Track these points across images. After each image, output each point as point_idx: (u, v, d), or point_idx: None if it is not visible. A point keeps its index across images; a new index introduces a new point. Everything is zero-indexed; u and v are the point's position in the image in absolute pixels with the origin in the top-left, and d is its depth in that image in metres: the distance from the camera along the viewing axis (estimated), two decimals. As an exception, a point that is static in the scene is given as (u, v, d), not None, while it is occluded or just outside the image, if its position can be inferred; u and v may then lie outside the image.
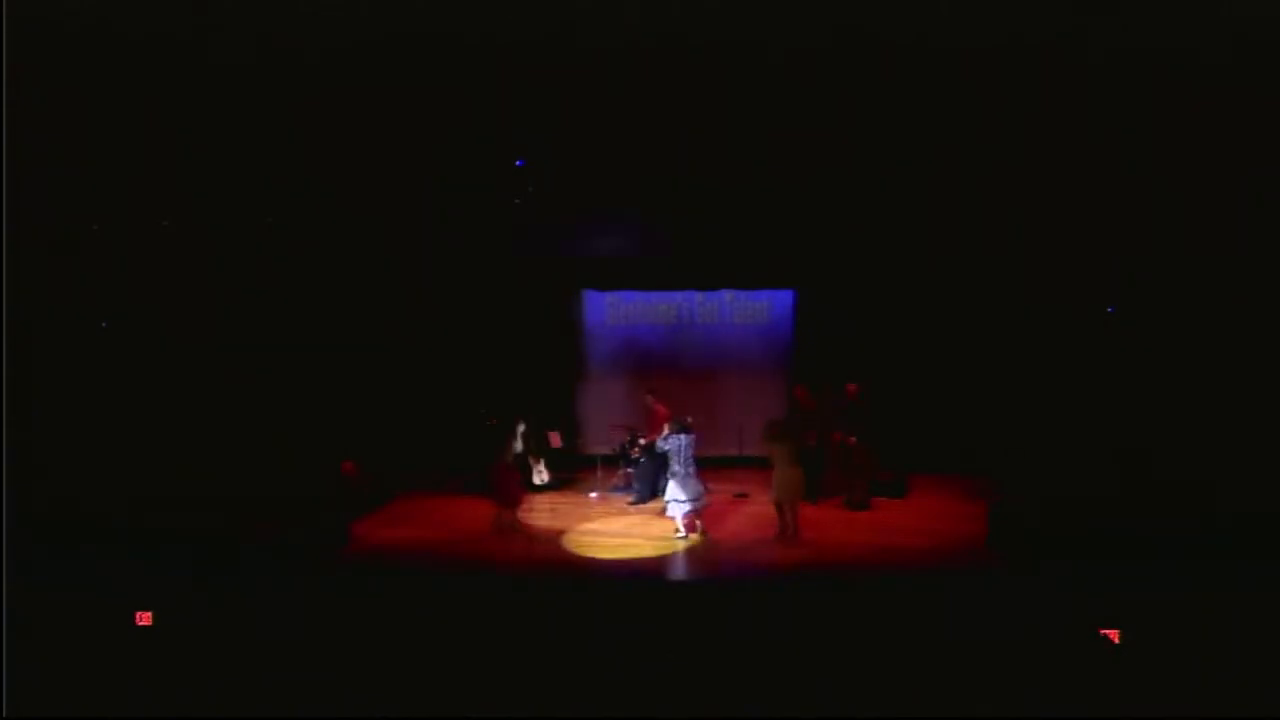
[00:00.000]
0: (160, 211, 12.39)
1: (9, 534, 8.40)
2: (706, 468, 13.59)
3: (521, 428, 13.00)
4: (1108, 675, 6.88)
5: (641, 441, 12.81)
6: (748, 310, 15.21)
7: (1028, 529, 9.91)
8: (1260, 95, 10.03)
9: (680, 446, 10.76)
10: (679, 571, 10.18)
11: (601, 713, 6.53)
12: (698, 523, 10.91)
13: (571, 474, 13.92)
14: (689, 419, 11.12)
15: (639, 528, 11.54)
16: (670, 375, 14.90)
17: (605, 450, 13.65)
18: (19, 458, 9.12)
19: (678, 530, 10.90)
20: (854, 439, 12.17)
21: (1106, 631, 7.13)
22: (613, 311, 15.40)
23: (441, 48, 9.92)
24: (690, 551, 10.57)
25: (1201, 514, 9.63)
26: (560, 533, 11.43)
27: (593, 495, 13.15)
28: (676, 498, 10.77)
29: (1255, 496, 9.77)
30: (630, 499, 12.69)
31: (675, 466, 10.79)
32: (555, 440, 13.57)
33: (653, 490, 12.30)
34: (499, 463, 11.40)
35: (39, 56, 9.33)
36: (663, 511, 11.11)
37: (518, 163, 12.48)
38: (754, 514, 11.95)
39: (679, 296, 15.22)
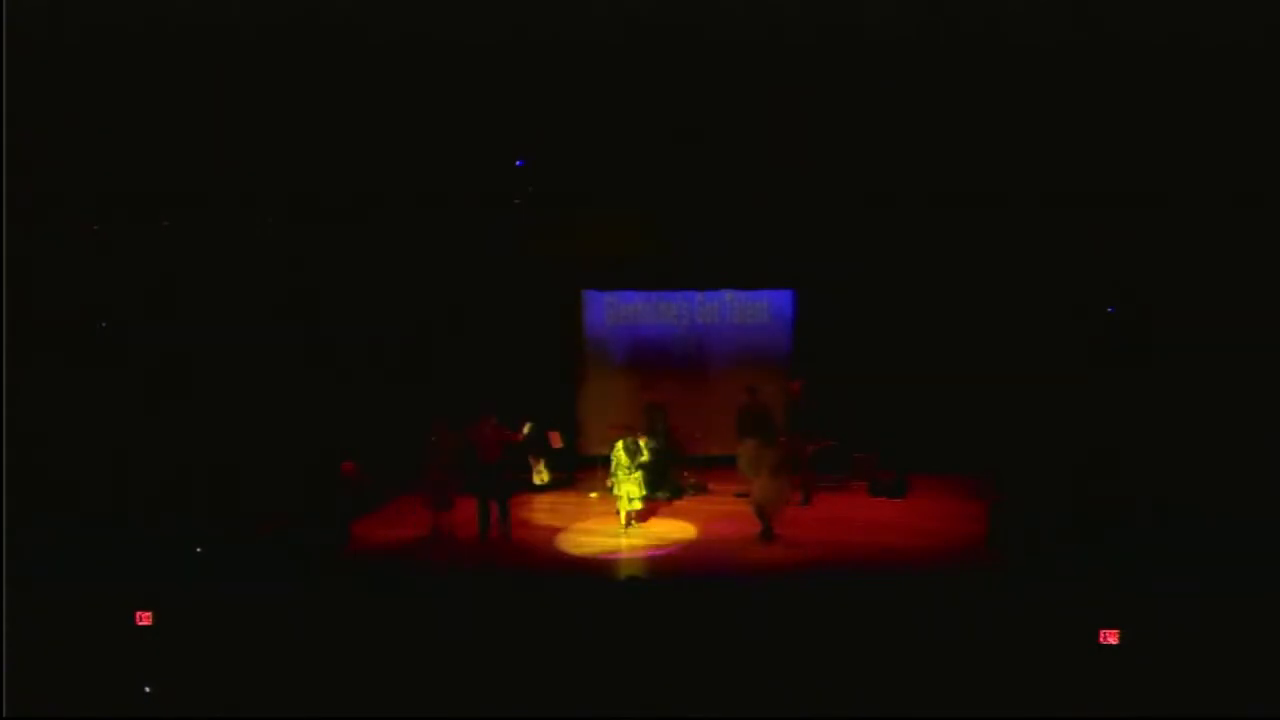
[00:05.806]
0: (160, 211, 12.37)
1: (9, 534, 8.42)
2: (707, 467, 13.73)
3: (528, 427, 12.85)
4: (1108, 675, 6.88)
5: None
6: (748, 310, 15.20)
7: (1028, 529, 9.92)
8: (1260, 94, 10.04)
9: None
10: (679, 571, 10.17)
11: (601, 713, 6.54)
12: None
13: (571, 474, 13.91)
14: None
15: (639, 528, 11.53)
16: (670, 375, 14.91)
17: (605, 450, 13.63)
18: (19, 457, 9.14)
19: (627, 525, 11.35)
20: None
21: (1106, 631, 7.14)
22: (613, 311, 15.38)
23: (441, 48, 9.93)
24: (690, 551, 10.57)
25: (1201, 515, 9.63)
26: (558, 532, 11.43)
27: (593, 495, 13.14)
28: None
29: (1255, 497, 9.79)
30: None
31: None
32: (555, 440, 13.55)
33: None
34: (432, 466, 11.07)
35: (38, 56, 9.34)
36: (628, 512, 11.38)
37: (518, 163, 12.47)
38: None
39: (679, 296, 15.21)
